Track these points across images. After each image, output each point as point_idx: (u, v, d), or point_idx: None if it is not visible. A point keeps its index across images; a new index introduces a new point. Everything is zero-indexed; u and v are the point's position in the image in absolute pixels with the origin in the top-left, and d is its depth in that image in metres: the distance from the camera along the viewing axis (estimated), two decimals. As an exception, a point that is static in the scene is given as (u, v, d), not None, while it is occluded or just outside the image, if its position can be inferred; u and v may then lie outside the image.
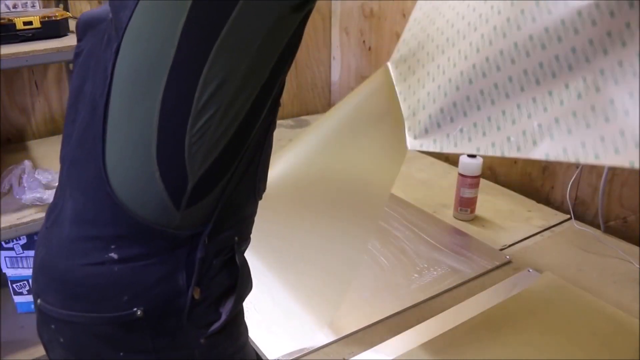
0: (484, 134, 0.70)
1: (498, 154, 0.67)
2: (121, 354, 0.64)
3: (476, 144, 0.70)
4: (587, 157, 0.58)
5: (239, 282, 0.69)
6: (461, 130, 0.72)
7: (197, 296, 0.65)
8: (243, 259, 0.72)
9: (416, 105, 0.80)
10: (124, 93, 0.62)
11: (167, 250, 0.64)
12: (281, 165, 1.10)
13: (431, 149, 0.76)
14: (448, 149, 0.74)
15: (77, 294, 0.64)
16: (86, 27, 0.72)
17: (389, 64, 0.91)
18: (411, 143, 0.80)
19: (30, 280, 1.42)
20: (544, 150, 0.62)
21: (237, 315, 0.73)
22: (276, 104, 0.70)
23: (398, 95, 0.85)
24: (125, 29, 0.61)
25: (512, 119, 0.67)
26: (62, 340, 0.66)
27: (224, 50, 0.59)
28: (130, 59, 0.61)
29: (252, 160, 0.69)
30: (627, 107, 0.55)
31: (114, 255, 0.62)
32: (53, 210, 0.70)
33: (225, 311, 0.68)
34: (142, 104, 0.61)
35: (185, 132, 0.60)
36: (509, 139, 0.66)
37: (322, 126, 1.06)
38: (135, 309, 0.62)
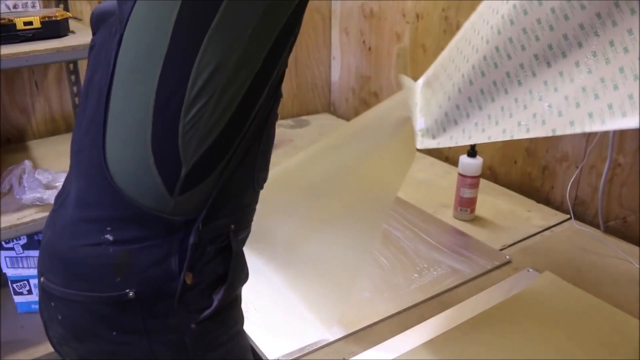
0: (496, 123, 0.70)
1: (507, 138, 0.68)
2: (114, 333, 0.66)
3: (488, 133, 0.71)
4: (592, 125, 0.58)
5: (231, 269, 0.69)
6: (476, 124, 0.73)
7: (189, 281, 0.66)
8: (239, 247, 0.72)
9: (435, 106, 0.80)
10: (125, 82, 0.65)
11: (162, 235, 0.65)
12: (291, 167, 1.10)
13: (447, 145, 0.76)
14: (463, 141, 0.74)
15: (76, 274, 0.66)
16: (98, 21, 0.74)
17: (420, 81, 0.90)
18: (429, 143, 0.79)
19: (30, 280, 1.42)
20: (550, 127, 0.63)
21: (232, 303, 0.73)
22: (275, 93, 0.70)
23: (422, 101, 0.85)
24: (127, 20, 0.64)
25: (523, 105, 0.67)
26: (60, 317, 0.69)
27: (216, 38, 0.61)
28: (130, 49, 0.64)
29: (250, 149, 0.69)
30: (636, 72, 0.56)
31: (109, 237, 0.65)
32: (61, 194, 0.74)
33: (217, 298, 0.68)
34: (139, 92, 0.63)
35: (179, 120, 0.62)
36: (519, 123, 0.67)
37: (336, 133, 1.07)
38: (127, 290, 0.64)
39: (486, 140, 0.71)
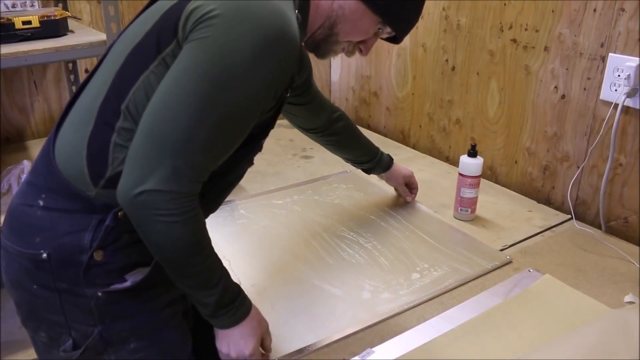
0: None
1: None
2: (35, 286, 0.75)
3: None
4: None
5: (154, 265, 0.75)
6: None
7: (98, 258, 0.73)
8: None
9: None
10: (98, 76, 0.77)
11: (83, 211, 0.73)
12: None
13: None
14: None
15: (13, 228, 0.77)
16: None
17: None
18: None
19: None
20: None
21: (154, 290, 0.78)
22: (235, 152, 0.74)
23: None
24: (122, 33, 0.78)
25: None
26: (4, 264, 0.78)
27: (151, 78, 0.70)
28: (111, 55, 0.77)
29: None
30: None
31: (41, 202, 0.74)
32: None
33: (132, 279, 0.75)
34: (98, 89, 0.75)
35: (114, 130, 0.72)
36: None
37: None
38: (42, 251, 0.73)
39: None
